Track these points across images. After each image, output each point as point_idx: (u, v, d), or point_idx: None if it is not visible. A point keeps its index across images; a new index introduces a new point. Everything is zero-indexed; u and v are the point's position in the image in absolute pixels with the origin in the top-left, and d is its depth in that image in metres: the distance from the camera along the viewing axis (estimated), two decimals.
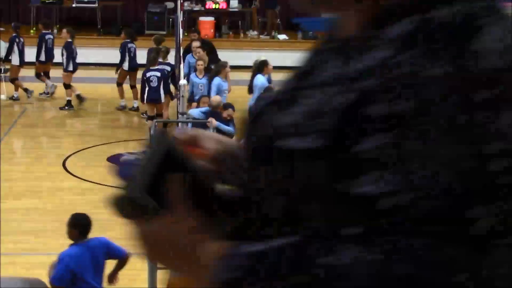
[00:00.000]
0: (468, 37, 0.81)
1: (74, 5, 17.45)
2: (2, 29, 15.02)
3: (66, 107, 13.11)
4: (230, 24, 17.54)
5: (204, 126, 8.96)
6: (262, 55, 12.37)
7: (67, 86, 13.16)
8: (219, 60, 12.88)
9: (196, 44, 12.82)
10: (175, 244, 0.87)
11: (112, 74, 13.53)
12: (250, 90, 11.38)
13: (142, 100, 12.05)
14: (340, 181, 0.79)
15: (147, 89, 11.62)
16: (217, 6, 17.39)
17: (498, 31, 0.83)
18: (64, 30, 13.61)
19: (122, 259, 5.70)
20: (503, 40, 0.83)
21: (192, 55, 12.71)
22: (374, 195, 0.77)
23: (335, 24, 0.95)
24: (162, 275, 4.94)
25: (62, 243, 5.91)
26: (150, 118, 11.30)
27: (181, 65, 11.92)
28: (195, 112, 10.31)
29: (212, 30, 16.79)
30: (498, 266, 0.79)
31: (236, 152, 0.95)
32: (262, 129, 0.88)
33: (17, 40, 13.75)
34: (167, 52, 12.53)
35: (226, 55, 13.52)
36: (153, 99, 11.62)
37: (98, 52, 15.60)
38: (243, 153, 0.92)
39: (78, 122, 12.91)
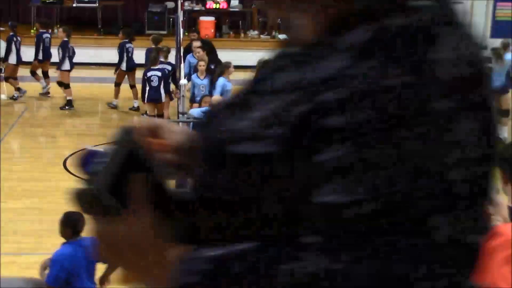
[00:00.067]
0: (424, 46, 0.81)
1: (74, 5, 17.44)
2: (2, 28, 15.01)
3: (66, 107, 13.10)
4: (231, 24, 17.53)
5: None
6: (264, 55, 12.35)
7: (67, 86, 13.16)
8: (219, 60, 12.88)
9: (196, 44, 12.82)
10: (133, 245, 0.86)
11: (113, 73, 13.54)
12: None
13: (143, 99, 12.05)
14: (300, 189, 0.78)
15: (147, 88, 11.62)
16: (217, 6, 17.39)
17: (454, 39, 0.83)
18: (60, 29, 13.62)
19: None
20: (458, 49, 0.82)
21: (193, 55, 12.71)
22: (337, 204, 0.77)
23: (294, 28, 0.94)
24: None
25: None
26: (151, 118, 11.30)
27: (182, 65, 11.93)
28: (195, 111, 10.31)
29: (212, 30, 16.78)
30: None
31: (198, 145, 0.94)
32: (215, 132, 0.87)
33: (14, 39, 13.78)
34: (168, 51, 12.54)
35: (227, 55, 13.52)
36: (154, 98, 11.63)
37: (99, 52, 15.59)
38: (199, 154, 0.90)
39: (78, 122, 12.89)
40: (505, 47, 12.79)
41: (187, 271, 0.82)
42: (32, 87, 13.73)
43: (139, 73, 12.81)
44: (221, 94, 10.92)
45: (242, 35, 17.57)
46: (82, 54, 14.35)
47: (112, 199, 0.84)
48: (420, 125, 0.78)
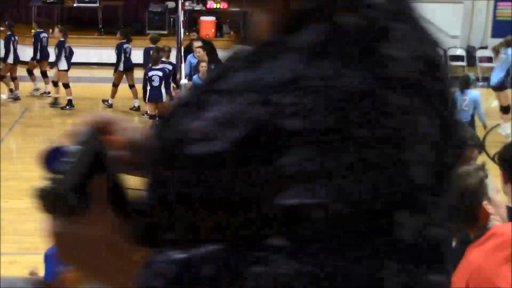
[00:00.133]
0: (378, 44, 0.80)
1: (75, 5, 17.44)
2: (2, 28, 15.01)
3: (67, 107, 13.11)
4: (231, 24, 17.52)
5: None
6: None
7: (66, 86, 13.16)
8: (220, 60, 12.85)
9: (197, 44, 12.82)
10: (96, 247, 0.84)
11: (113, 74, 13.55)
12: None
13: (144, 99, 12.05)
14: (262, 192, 0.77)
15: (149, 88, 11.62)
16: (218, 6, 17.38)
17: (408, 36, 0.82)
18: (56, 29, 13.62)
19: None
20: (413, 45, 0.82)
21: (193, 55, 12.71)
22: (300, 207, 0.76)
23: (253, 25, 0.93)
24: None
25: None
26: (152, 117, 11.30)
27: (182, 65, 11.92)
28: None
29: (213, 30, 16.77)
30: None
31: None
32: (170, 131, 0.85)
33: (12, 38, 13.79)
34: (169, 51, 12.54)
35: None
36: (155, 98, 11.63)
37: (99, 52, 15.60)
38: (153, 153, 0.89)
39: (79, 122, 12.89)
40: (507, 43, 12.77)
41: (151, 274, 0.80)
42: (39, 86, 13.73)
43: (138, 73, 12.81)
44: None
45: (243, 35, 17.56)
46: (83, 54, 14.35)
47: (76, 198, 0.82)
48: (380, 124, 0.77)
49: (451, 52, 16.67)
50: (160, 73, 11.67)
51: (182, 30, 13.19)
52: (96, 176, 0.84)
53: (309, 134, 0.76)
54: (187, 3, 17.10)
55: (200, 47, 12.59)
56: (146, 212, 0.85)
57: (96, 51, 15.59)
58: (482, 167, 2.61)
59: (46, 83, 13.91)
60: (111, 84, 13.48)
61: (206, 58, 12.26)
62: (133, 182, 0.90)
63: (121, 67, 13.35)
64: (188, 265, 0.79)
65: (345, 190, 0.76)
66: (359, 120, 0.77)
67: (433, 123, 0.81)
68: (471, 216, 2.52)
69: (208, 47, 13.08)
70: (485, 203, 2.50)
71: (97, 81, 14.53)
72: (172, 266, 0.79)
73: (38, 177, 0.89)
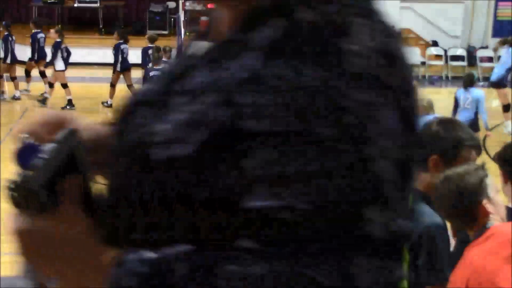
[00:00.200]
0: (336, 39, 0.79)
1: (75, 5, 17.46)
2: (0, 29, 15.02)
3: (67, 107, 13.12)
4: None
5: None
6: None
7: (65, 86, 13.16)
8: None
9: None
10: (61, 246, 0.82)
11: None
12: None
13: None
14: (229, 194, 0.77)
15: None
16: None
17: (366, 30, 0.81)
18: (52, 30, 13.62)
19: None
20: (371, 40, 0.81)
21: None
22: (267, 209, 0.75)
23: (214, 22, 0.92)
24: None
25: None
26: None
27: None
28: None
29: None
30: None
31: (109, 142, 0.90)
32: (133, 133, 0.84)
33: (9, 38, 13.80)
34: (170, 51, 12.55)
35: None
36: None
37: (100, 52, 15.60)
38: (115, 154, 0.87)
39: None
40: (504, 42, 12.79)
41: (124, 273, 0.79)
42: (35, 87, 13.73)
43: (136, 73, 12.81)
44: None
45: None
46: (83, 54, 14.36)
47: (46, 195, 0.81)
48: (341, 120, 0.76)
49: (452, 52, 16.67)
50: None
51: (183, 30, 13.19)
52: (68, 176, 0.83)
53: (271, 135, 0.76)
54: (187, 3, 17.10)
55: None
56: (114, 212, 0.84)
57: (97, 51, 15.60)
58: (482, 167, 2.61)
59: (45, 83, 13.91)
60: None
61: None
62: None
63: (118, 68, 13.36)
64: (161, 264, 0.78)
65: (311, 190, 0.75)
66: (320, 118, 0.76)
67: (395, 116, 0.80)
68: (470, 216, 2.52)
69: None
70: (485, 202, 2.50)
71: (98, 81, 14.53)
72: (145, 265, 0.78)
73: None
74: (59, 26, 16.39)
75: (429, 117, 5.07)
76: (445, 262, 2.68)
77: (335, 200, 0.76)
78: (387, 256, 0.79)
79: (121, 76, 13.41)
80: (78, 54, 13.71)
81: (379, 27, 0.84)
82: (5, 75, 13.71)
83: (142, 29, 16.31)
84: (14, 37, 14.03)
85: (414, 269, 2.74)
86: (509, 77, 12.00)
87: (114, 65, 13.45)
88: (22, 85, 13.70)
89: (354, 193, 0.77)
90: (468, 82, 10.23)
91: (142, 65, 12.76)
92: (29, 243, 0.83)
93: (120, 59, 13.36)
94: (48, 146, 0.83)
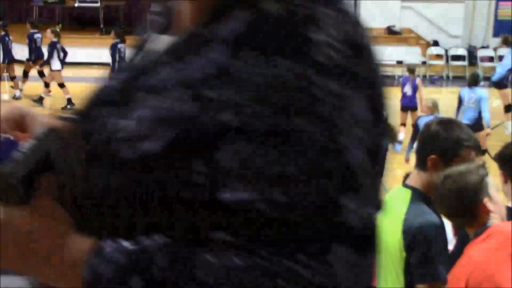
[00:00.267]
0: (303, 30, 0.79)
1: (76, 5, 17.45)
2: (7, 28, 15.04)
3: (68, 106, 13.12)
4: None
5: None
6: None
7: (62, 85, 13.16)
8: None
9: None
10: (33, 240, 0.79)
11: None
12: None
13: None
14: (203, 187, 0.76)
15: None
16: None
17: (332, 20, 0.81)
18: (48, 30, 13.62)
19: None
20: (338, 29, 0.80)
21: None
22: (241, 202, 0.75)
23: (177, 15, 0.91)
24: None
25: None
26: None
27: None
28: None
29: None
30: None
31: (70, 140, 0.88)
32: (98, 130, 0.83)
33: (6, 38, 13.81)
34: None
35: None
36: None
37: (100, 51, 15.60)
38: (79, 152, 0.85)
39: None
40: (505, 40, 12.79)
41: (102, 262, 0.77)
42: (35, 87, 13.74)
43: None
44: None
45: None
46: (84, 53, 14.35)
47: (21, 188, 0.80)
48: (314, 111, 0.76)
49: (453, 51, 16.67)
50: None
51: None
52: (45, 174, 0.82)
53: (242, 127, 0.75)
54: None
55: None
56: (90, 212, 0.83)
57: (97, 51, 15.60)
58: (483, 166, 2.61)
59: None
60: None
61: None
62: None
63: (116, 67, 13.38)
64: (139, 255, 0.76)
65: (286, 181, 0.75)
66: (292, 109, 0.76)
67: (364, 106, 0.80)
68: (471, 214, 2.52)
69: None
70: (485, 200, 2.50)
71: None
72: (123, 254, 0.77)
73: None
74: (60, 26, 16.41)
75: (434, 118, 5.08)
76: (440, 261, 2.69)
77: (311, 189, 0.76)
78: (363, 247, 0.79)
79: None
80: (78, 54, 13.70)
81: (344, 17, 0.83)
82: (4, 75, 13.71)
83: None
84: (11, 37, 14.03)
85: (408, 267, 2.76)
86: (510, 78, 12.00)
87: (112, 64, 13.46)
88: (13, 84, 13.70)
89: (330, 182, 0.76)
90: (473, 81, 10.24)
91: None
92: (5, 236, 0.80)
93: (117, 58, 13.37)
94: (28, 143, 0.83)
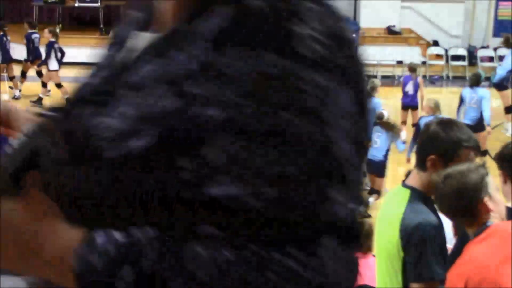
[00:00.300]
0: (286, 24, 0.79)
1: (76, 5, 17.45)
2: (5, 28, 15.03)
3: None
4: None
5: None
6: None
7: (59, 85, 13.15)
8: None
9: None
10: (22, 231, 0.79)
11: None
12: None
13: None
14: (189, 182, 0.76)
15: None
16: None
17: (314, 14, 0.81)
18: (46, 30, 13.61)
19: None
20: (320, 23, 0.80)
21: None
22: (228, 197, 0.75)
23: (158, 12, 0.90)
24: None
25: None
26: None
27: None
28: None
29: None
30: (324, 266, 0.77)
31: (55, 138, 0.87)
32: (81, 128, 0.82)
33: (4, 39, 13.81)
34: None
35: None
36: None
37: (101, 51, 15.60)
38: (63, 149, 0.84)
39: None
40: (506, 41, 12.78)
41: (92, 253, 0.76)
42: (34, 88, 13.74)
43: None
44: None
45: None
46: (84, 53, 14.32)
47: (8, 180, 0.80)
48: (300, 104, 0.76)
49: (453, 51, 16.66)
50: None
51: None
52: (33, 170, 0.81)
53: (228, 122, 0.75)
54: None
55: None
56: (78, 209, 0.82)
57: (98, 51, 15.59)
58: (483, 165, 2.62)
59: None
60: None
61: None
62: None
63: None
64: (129, 247, 0.76)
65: (275, 175, 0.75)
66: (279, 103, 0.76)
67: (349, 98, 0.80)
68: (471, 213, 2.52)
69: None
70: (486, 199, 2.51)
71: None
72: (113, 246, 0.76)
73: None
74: (60, 25, 16.41)
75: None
76: (437, 261, 2.69)
77: (300, 182, 0.76)
78: (349, 240, 0.79)
79: None
80: (78, 53, 13.69)
81: (326, 11, 0.83)
82: (3, 75, 13.70)
83: None
84: (9, 37, 14.02)
85: (405, 267, 2.76)
86: (510, 79, 11.99)
87: None
88: (12, 84, 13.70)
89: (318, 174, 0.76)
90: (475, 81, 10.24)
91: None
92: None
93: None
94: (16, 140, 0.83)
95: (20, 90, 13.93)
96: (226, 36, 0.79)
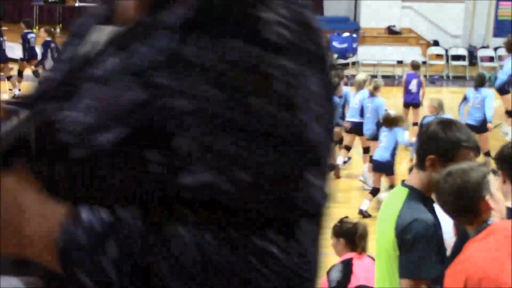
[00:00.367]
0: (253, 10, 0.79)
1: (77, 5, 17.44)
2: (5, 28, 15.03)
3: None
4: None
5: None
6: None
7: None
8: None
9: None
10: (1, 206, 0.78)
11: None
12: None
13: None
14: (161, 174, 0.75)
15: None
16: None
17: (281, 3, 0.81)
18: (42, 29, 13.60)
19: None
20: (286, 9, 0.80)
21: None
22: (202, 185, 0.75)
23: (120, 5, 0.90)
24: None
25: None
26: None
27: None
28: None
29: None
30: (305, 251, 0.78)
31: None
32: (47, 122, 0.81)
33: (0, 38, 13.80)
34: None
35: None
36: None
37: None
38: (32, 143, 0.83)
39: None
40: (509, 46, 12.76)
41: (76, 231, 0.76)
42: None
43: None
44: None
45: None
46: None
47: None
48: (270, 89, 0.76)
49: (453, 51, 16.67)
50: None
51: None
52: (17, 157, 0.80)
53: (198, 112, 0.75)
54: None
55: None
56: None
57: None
58: (485, 164, 2.62)
59: None
60: None
61: None
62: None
63: None
64: (115, 226, 0.76)
65: (250, 160, 0.75)
66: (249, 89, 0.76)
67: (318, 81, 0.80)
68: (472, 211, 2.52)
69: None
70: (487, 198, 2.50)
71: None
72: (100, 222, 0.76)
73: None
74: (60, 25, 16.40)
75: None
76: (432, 260, 2.70)
77: (275, 166, 0.76)
78: (320, 221, 0.80)
79: None
80: None
81: None
82: (2, 75, 13.70)
83: None
84: (5, 37, 14.02)
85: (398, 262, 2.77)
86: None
87: None
88: (10, 85, 13.69)
89: (293, 157, 0.77)
90: (479, 82, 10.23)
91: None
92: None
93: None
94: (8, 123, 0.82)
95: (19, 90, 13.93)
96: (192, 25, 0.79)
